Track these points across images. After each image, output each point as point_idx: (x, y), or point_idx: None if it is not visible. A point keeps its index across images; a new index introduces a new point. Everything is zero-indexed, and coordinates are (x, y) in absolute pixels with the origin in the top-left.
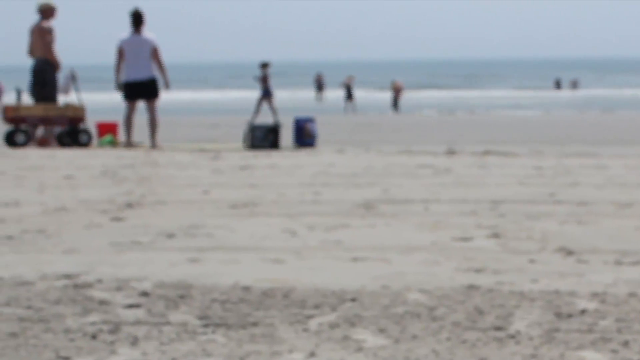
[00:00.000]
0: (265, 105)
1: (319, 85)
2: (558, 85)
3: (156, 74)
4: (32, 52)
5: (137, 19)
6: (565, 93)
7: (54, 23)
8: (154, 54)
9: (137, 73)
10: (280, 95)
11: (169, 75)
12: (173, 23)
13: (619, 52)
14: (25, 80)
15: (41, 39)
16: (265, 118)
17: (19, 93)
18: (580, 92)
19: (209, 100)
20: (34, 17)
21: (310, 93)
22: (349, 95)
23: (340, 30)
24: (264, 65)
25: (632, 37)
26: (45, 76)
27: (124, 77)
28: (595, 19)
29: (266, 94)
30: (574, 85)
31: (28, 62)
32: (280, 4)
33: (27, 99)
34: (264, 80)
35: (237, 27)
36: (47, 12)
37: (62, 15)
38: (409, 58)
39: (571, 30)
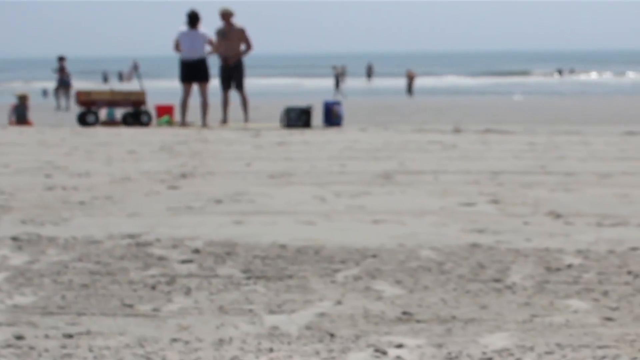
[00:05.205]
0: (62, 93)
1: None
2: (560, 72)
3: (207, 58)
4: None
5: (192, 19)
6: (565, 79)
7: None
8: (208, 42)
9: (191, 54)
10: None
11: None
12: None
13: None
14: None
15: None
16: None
17: (66, 82)
18: (579, 78)
19: (253, 86)
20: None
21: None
22: (337, 85)
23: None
24: (61, 59)
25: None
26: (243, 69)
27: (181, 57)
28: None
29: (62, 84)
30: (572, 72)
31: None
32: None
33: (83, 85)
34: (61, 72)
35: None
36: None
37: (126, 12)
38: (414, 50)
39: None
